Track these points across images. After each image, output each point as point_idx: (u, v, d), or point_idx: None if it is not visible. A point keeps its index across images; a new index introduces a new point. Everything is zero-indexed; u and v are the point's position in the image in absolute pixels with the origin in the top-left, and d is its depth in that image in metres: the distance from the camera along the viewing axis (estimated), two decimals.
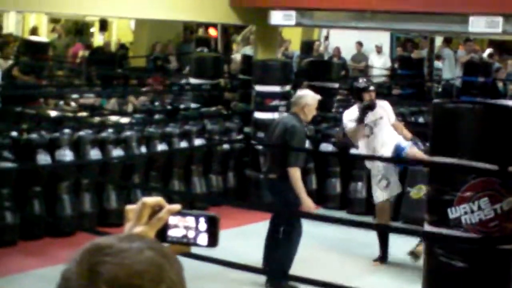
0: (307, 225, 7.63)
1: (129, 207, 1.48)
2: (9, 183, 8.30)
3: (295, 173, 7.11)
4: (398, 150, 8.03)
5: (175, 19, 12.80)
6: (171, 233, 1.48)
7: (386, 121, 8.13)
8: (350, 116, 8.11)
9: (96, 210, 8.94)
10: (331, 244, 8.64)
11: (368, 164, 8.30)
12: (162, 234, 1.47)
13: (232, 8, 10.91)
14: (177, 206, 1.48)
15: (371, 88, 8.27)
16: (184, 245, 1.49)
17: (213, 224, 1.48)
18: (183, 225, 1.48)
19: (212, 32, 17.34)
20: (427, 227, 5.20)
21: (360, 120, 7.94)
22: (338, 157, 10.43)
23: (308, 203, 7.16)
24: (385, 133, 8.08)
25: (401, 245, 7.91)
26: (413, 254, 7.76)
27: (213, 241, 1.48)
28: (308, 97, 7.43)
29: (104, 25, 20.12)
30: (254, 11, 11.18)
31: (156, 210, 1.47)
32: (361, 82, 8.59)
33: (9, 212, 8.24)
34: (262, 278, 7.29)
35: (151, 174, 9.67)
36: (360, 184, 10.12)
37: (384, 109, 8.18)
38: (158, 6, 10.17)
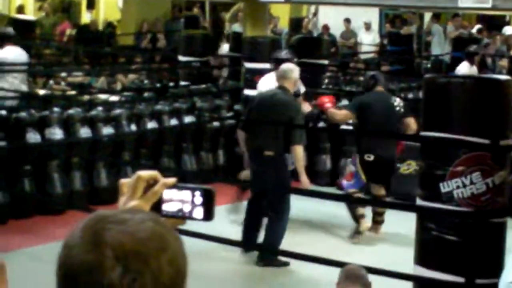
0: (298, 202, 7.66)
1: (124, 180, 1.48)
2: None
3: (300, 151, 7.09)
4: None
5: None
6: (166, 207, 1.46)
7: None
8: (266, 84, 8.11)
9: (86, 188, 8.93)
10: (322, 220, 8.66)
11: None
12: (157, 208, 1.45)
13: None
14: (172, 180, 1.47)
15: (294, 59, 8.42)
16: (179, 219, 1.47)
17: (209, 197, 1.47)
18: (178, 199, 1.46)
19: None
20: (420, 202, 5.22)
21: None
22: (329, 133, 10.41)
23: (306, 181, 7.18)
24: None
25: (393, 221, 7.95)
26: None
27: (208, 214, 1.47)
28: (296, 71, 7.44)
29: (91, 3, 19.98)
30: None
31: (151, 183, 1.45)
32: (283, 53, 8.66)
33: None
34: (252, 255, 7.33)
35: (142, 151, 9.65)
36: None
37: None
38: None
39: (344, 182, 8.09)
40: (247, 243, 7.31)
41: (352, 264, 4.57)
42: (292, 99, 7.31)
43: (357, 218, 8.03)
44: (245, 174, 8.18)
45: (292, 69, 7.44)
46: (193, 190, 1.46)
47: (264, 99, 7.39)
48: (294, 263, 6.95)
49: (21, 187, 8.46)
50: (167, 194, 1.46)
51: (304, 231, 8.28)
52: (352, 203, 7.97)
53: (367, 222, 8.06)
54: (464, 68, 11.36)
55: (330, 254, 5.87)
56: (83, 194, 8.88)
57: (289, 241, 7.12)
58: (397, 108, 7.99)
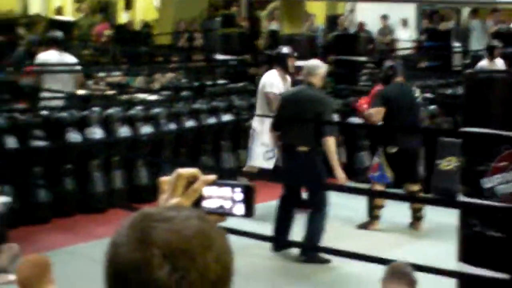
0: (337, 198, 7.65)
1: (164, 178, 1.48)
2: (41, 161, 8.38)
3: (332, 143, 7.10)
4: None
5: None
6: (207, 204, 1.47)
7: None
8: (273, 80, 8.30)
9: (126, 186, 9.00)
10: (361, 217, 8.64)
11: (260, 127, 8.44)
12: (197, 205, 1.46)
13: None
14: (212, 177, 1.48)
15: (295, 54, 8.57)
16: (220, 216, 1.47)
17: (249, 193, 1.47)
18: (219, 196, 1.47)
19: None
20: (462, 198, 5.18)
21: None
22: (368, 130, 10.35)
23: (341, 175, 7.17)
24: None
25: (433, 217, 7.90)
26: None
27: (249, 211, 1.47)
28: (324, 67, 7.50)
29: (128, 3, 20.13)
30: None
31: (191, 181, 1.46)
32: (285, 48, 8.63)
33: (41, 190, 8.33)
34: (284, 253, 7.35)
35: (180, 150, 9.70)
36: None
37: None
38: None
39: (370, 175, 8.16)
40: (279, 240, 7.31)
41: (398, 261, 4.53)
42: (319, 94, 7.33)
43: (372, 216, 8.14)
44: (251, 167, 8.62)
45: (318, 65, 7.46)
46: (233, 186, 1.47)
47: (291, 96, 7.42)
48: (335, 260, 6.94)
49: (63, 186, 8.55)
50: (207, 191, 1.46)
51: (344, 227, 8.26)
52: (388, 198, 7.92)
53: (378, 224, 8.15)
54: (484, 64, 11.32)
55: (371, 251, 5.85)
56: (123, 193, 8.95)
57: (329, 237, 7.12)
58: (418, 99, 8.07)
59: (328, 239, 7.07)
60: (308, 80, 7.36)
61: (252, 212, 1.47)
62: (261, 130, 8.37)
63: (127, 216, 1.33)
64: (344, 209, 8.49)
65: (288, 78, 8.48)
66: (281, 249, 7.39)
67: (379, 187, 8.03)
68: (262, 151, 8.42)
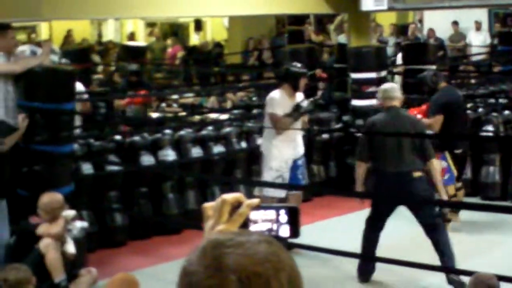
0: None
1: (207, 204, 1.51)
2: (116, 185, 8.55)
3: (437, 164, 7.02)
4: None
5: (266, 13, 12.85)
6: (254, 228, 1.48)
7: None
8: (278, 99, 7.83)
9: (201, 207, 9.07)
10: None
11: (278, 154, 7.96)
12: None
13: None
14: (256, 201, 1.49)
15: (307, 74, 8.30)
16: None
17: (294, 215, 1.49)
18: (264, 219, 1.49)
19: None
20: None
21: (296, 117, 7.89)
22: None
23: (444, 192, 7.05)
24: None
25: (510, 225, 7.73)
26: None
27: (295, 232, 1.49)
28: (398, 88, 7.39)
29: (199, 25, 20.40)
30: None
31: (235, 206, 1.48)
32: (296, 65, 8.08)
33: (118, 214, 8.49)
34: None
35: (253, 168, 9.75)
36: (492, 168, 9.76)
37: None
38: (249, 2, 10.24)
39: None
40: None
41: (482, 272, 4.42)
42: (412, 116, 7.28)
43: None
44: None
45: (395, 88, 7.23)
46: (277, 209, 1.49)
47: (387, 122, 6.99)
48: (415, 272, 6.84)
49: (138, 209, 8.70)
50: (253, 215, 1.48)
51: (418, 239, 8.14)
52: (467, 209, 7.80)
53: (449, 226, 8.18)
54: None
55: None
56: (198, 213, 9.00)
57: (407, 250, 7.02)
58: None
59: (405, 252, 6.98)
60: (390, 105, 7.00)
61: (298, 233, 1.49)
62: (268, 154, 7.99)
63: (202, 236, 1.35)
64: None
65: (298, 97, 7.98)
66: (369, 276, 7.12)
67: (451, 189, 8.10)
68: (271, 176, 7.95)
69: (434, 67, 11.73)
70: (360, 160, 7.08)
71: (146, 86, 11.39)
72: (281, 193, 7.96)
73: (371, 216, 7.06)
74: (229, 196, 1.49)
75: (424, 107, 8.56)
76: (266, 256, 1.28)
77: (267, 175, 7.97)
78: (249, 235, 1.33)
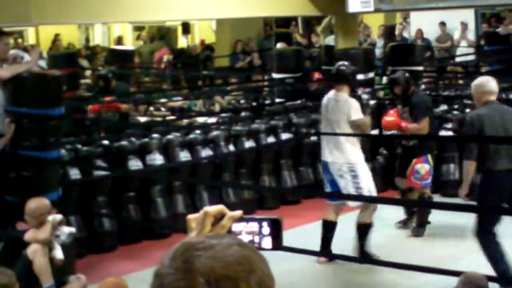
0: None
1: (191, 216, 1.52)
2: (105, 190, 8.54)
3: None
4: None
5: (253, 16, 12.89)
6: None
7: None
8: (355, 104, 7.48)
9: (189, 210, 9.07)
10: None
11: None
12: None
13: (310, 0, 10.89)
14: (238, 212, 1.50)
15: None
16: None
17: (276, 226, 1.49)
18: (247, 231, 1.49)
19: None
20: None
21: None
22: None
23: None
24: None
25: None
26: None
27: (277, 243, 1.49)
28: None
29: (186, 28, 20.41)
30: (331, 1, 11.14)
31: (218, 218, 1.48)
32: (346, 65, 7.75)
33: (106, 219, 8.48)
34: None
35: (241, 171, 9.76)
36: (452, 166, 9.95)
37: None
38: (236, 5, 10.26)
39: (424, 182, 8.33)
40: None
41: (472, 272, 4.41)
42: None
43: (421, 222, 8.41)
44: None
45: (490, 81, 6.79)
46: (260, 221, 1.50)
47: (491, 117, 6.56)
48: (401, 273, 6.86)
49: (127, 214, 8.69)
50: (235, 227, 1.49)
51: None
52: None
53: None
54: None
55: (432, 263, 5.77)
56: (186, 217, 9.00)
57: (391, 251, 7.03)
58: None
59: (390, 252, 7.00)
60: (491, 99, 6.62)
61: (280, 244, 1.50)
62: (360, 161, 7.48)
63: None
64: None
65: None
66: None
67: (428, 192, 8.43)
68: (366, 191, 7.41)
69: (421, 68, 11.79)
70: (469, 159, 6.56)
71: (117, 92, 11.12)
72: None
73: (481, 225, 6.48)
74: (212, 208, 1.50)
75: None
76: (236, 259, 1.29)
77: (364, 191, 7.36)
78: (221, 238, 1.34)
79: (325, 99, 7.75)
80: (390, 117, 8.38)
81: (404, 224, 8.66)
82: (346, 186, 7.38)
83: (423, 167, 8.27)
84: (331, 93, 7.67)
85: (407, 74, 8.53)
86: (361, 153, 7.50)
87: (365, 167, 7.48)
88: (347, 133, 7.41)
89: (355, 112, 7.41)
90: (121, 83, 11.92)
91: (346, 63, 7.82)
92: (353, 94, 7.59)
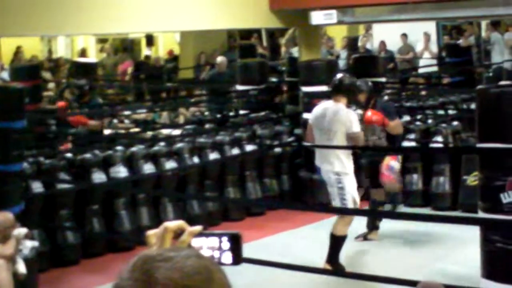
0: None
1: (150, 232, 1.52)
2: (68, 203, 8.47)
3: None
4: None
5: (217, 28, 12.89)
6: None
7: None
8: (354, 117, 7.52)
9: (154, 223, 9.03)
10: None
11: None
12: None
13: (273, 12, 10.93)
14: (198, 228, 1.51)
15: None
16: None
17: (236, 242, 1.50)
18: (207, 246, 1.50)
19: None
20: (481, 214, 5.15)
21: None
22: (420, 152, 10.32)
23: None
24: None
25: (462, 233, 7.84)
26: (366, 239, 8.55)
27: (237, 258, 1.50)
28: None
29: (150, 40, 20.36)
30: (294, 13, 11.19)
31: (178, 233, 1.50)
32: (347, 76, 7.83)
33: (69, 232, 8.41)
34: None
35: (206, 183, 9.75)
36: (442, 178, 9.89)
37: None
38: (200, 17, 10.26)
39: (398, 177, 8.46)
40: None
41: (429, 280, 4.45)
42: None
43: (373, 226, 8.56)
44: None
45: None
46: (220, 236, 1.50)
47: None
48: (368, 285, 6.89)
49: (91, 227, 8.63)
50: (195, 242, 1.50)
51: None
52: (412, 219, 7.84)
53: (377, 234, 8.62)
54: None
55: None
56: (150, 230, 8.96)
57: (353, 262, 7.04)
58: None
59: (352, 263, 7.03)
60: None
61: (240, 260, 1.50)
62: (349, 173, 7.43)
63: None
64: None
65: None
66: None
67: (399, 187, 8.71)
68: (350, 203, 7.40)
69: (384, 79, 11.90)
70: None
71: (91, 106, 10.95)
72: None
73: None
74: (172, 224, 1.50)
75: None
76: (195, 269, 1.30)
77: (349, 203, 7.33)
78: (180, 250, 1.35)
79: (319, 109, 7.69)
80: (374, 115, 8.22)
81: (364, 238, 8.60)
82: (333, 194, 7.44)
83: (396, 164, 8.36)
84: (329, 103, 7.63)
85: (370, 83, 8.60)
86: (351, 164, 7.46)
87: (352, 179, 7.44)
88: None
89: (356, 125, 7.41)
90: (96, 96, 11.82)
91: (347, 74, 7.91)
92: (349, 105, 7.61)
